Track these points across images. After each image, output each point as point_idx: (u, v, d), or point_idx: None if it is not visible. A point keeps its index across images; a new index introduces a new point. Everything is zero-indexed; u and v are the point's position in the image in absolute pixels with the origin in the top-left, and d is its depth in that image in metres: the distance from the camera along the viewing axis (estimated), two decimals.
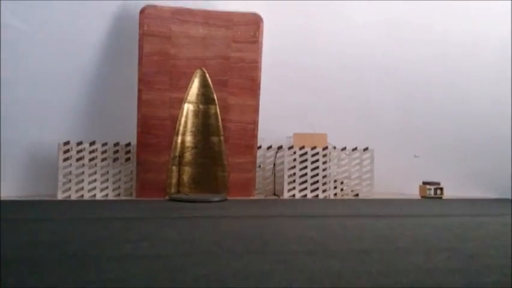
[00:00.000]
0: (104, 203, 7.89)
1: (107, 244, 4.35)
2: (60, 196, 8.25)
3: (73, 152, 8.31)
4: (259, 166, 9.37)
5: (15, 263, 3.51)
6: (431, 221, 6.20)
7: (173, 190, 8.52)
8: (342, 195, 9.37)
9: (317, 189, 9.23)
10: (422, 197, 9.57)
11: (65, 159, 8.24)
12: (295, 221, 6.04)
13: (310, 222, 5.90)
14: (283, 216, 6.61)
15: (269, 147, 9.54)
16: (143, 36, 8.40)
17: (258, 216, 6.61)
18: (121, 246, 4.23)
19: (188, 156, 8.70)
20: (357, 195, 9.40)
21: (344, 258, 3.78)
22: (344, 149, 9.43)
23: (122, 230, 5.23)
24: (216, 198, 8.09)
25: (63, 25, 8.78)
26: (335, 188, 9.37)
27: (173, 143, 8.43)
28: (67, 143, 8.29)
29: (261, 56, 8.99)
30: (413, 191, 9.72)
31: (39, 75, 8.69)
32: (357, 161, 9.43)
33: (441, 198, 9.25)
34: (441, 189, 9.48)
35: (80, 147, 8.34)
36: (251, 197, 8.90)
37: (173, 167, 8.52)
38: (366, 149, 9.46)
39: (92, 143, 8.42)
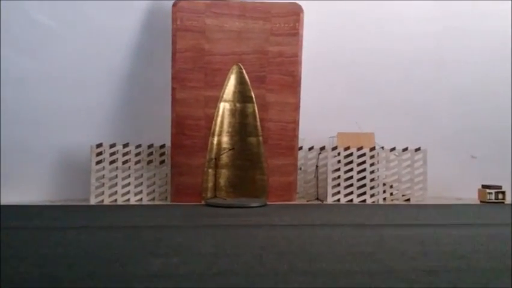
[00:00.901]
0: (138, 209, 7.60)
1: (133, 259, 3.89)
2: (93, 201, 8.03)
3: (105, 155, 8.13)
4: (300, 168, 8.92)
5: (32, 279, 3.09)
6: (502, 231, 5.40)
7: (209, 194, 8.22)
8: (392, 200, 8.73)
9: (364, 193, 8.60)
10: (481, 201, 8.76)
11: (97, 162, 8.08)
12: (345, 232, 5.41)
13: (363, 233, 5.26)
14: (331, 225, 6.02)
15: (311, 148, 9.08)
16: (176, 31, 8.14)
17: (302, 225, 6.04)
18: (148, 263, 3.75)
19: (224, 158, 8.40)
20: (408, 200, 8.73)
21: (408, 279, 3.14)
22: (393, 149, 8.78)
23: (152, 241, 4.78)
24: (255, 204, 7.76)
25: (93, 21, 8.61)
26: (384, 192, 8.70)
27: (209, 144, 8.19)
28: (99, 145, 8.12)
29: (301, 50, 8.49)
30: (470, 195, 8.95)
31: (69, 75, 8.54)
32: (408, 162, 8.79)
33: (503, 203, 8.47)
34: (503, 193, 8.65)
35: (113, 149, 8.16)
36: (292, 202, 8.42)
37: (209, 170, 8.24)
38: (418, 149, 8.78)
39: (125, 145, 8.25)
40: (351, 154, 8.63)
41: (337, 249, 4.35)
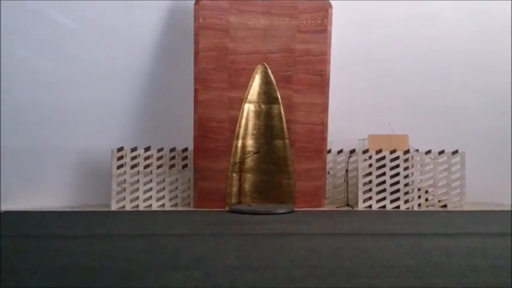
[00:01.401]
0: (159, 215, 7.39)
1: (153, 271, 3.61)
2: (114, 206, 7.92)
3: (127, 159, 8.01)
4: (329, 173, 8.64)
5: None
6: None
7: (233, 200, 8.00)
8: (427, 206, 8.33)
9: (398, 199, 8.19)
10: None
11: (118, 167, 7.98)
12: (380, 242, 5.01)
13: (400, 243, 4.84)
14: (364, 234, 5.64)
15: (340, 151, 8.79)
16: (198, 30, 7.96)
17: (333, 234, 5.68)
18: (168, 277, 3.46)
19: (249, 162, 8.17)
20: (445, 206, 8.31)
21: None
22: (428, 152, 8.36)
23: (173, 252, 4.48)
24: (282, 210, 7.50)
25: (113, 21, 8.47)
26: (419, 197, 8.27)
27: (233, 147, 7.98)
28: (120, 149, 8.01)
29: (330, 48, 8.18)
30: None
31: (89, 76, 8.42)
32: (445, 166, 8.36)
33: None
34: None
35: (134, 153, 8.06)
36: (321, 208, 8.12)
37: (234, 175, 8.02)
38: (455, 152, 8.33)
39: (147, 149, 8.13)
40: (383, 157, 8.24)
41: (373, 263, 3.97)
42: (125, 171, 7.99)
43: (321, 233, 5.68)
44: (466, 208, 8.12)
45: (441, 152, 8.34)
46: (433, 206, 8.33)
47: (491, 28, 8.95)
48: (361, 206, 8.19)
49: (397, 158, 8.22)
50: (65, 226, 6.24)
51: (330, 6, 8.15)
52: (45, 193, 8.04)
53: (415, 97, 9.00)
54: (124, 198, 7.97)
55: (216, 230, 5.81)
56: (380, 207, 8.16)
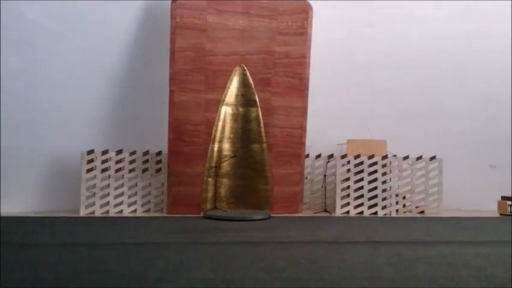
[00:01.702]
0: (130, 221, 7.09)
1: (118, 286, 3.34)
2: (83, 212, 7.63)
3: (97, 162, 7.75)
4: (307, 178, 8.53)
5: None
6: None
7: (208, 206, 7.82)
8: (405, 212, 8.30)
9: (376, 205, 8.15)
10: (501, 214, 8.32)
11: (88, 170, 7.71)
12: (359, 250, 4.88)
13: (379, 252, 4.71)
14: (343, 242, 5.48)
15: (318, 156, 8.70)
16: (175, 29, 7.77)
17: (311, 242, 5.51)
18: None
19: (226, 166, 8.02)
20: (422, 212, 8.31)
21: None
22: (406, 158, 8.34)
23: (142, 263, 4.21)
24: (258, 216, 7.35)
25: (87, 18, 8.19)
26: (397, 203, 8.24)
27: (209, 151, 7.83)
28: (90, 151, 7.74)
29: (309, 50, 8.09)
30: (489, 207, 8.51)
31: (58, 74, 8.08)
32: (423, 172, 8.38)
33: None
34: None
35: (105, 156, 7.80)
36: (298, 214, 8.00)
37: (209, 179, 7.86)
38: (433, 158, 8.34)
39: (119, 152, 7.88)
40: (361, 163, 8.20)
41: (353, 273, 3.83)
42: (95, 175, 7.73)
43: (299, 241, 5.52)
44: (443, 214, 8.10)
45: (419, 158, 8.33)
46: (410, 212, 8.30)
47: (473, 31, 8.99)
48: (339, 211, 8.13)
49: (375, 163, 8.19)
50: (26, 233, 5.88)
51: (311, 8, 8.05)
52: (10, 197, 7.61)
53: (394, 102, 9.03)
54: (93, 204, 7.70)
55: (189, 238, 5.60)
56: (358, 213, 8.10)
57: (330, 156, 8.50)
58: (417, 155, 8.31)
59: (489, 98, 9.05)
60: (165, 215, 7.74)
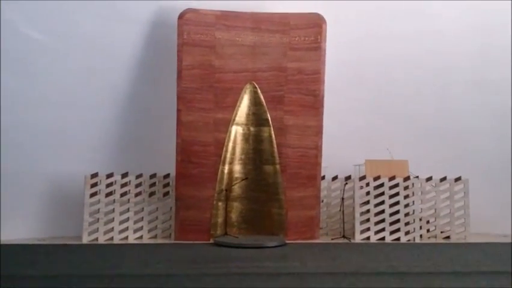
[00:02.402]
0: (136, 249, 6.89)
1: None
2: (86, 239, 7.37)
3: (101, 186, 7.51)
4: (323, 201, 8.21)
5: None
6: None
7: (219, 231, 7.60)
8: (429, 238, 7.94)
9: (398, 230, 7.73)
10: None
11: (92, 195, 7.47)
12: (386, 283, 4.41)
13: (409, 284, 4.24)
14: (366, 273, 5.08)
15: (334, 178, 8.36)
16: (182, 46, 7.63)
17: (330, 273, 5.10)
18: None
19: (237, 189, 7.83)
20: (448, 237, 7.93)
21: None
22: (429, 179, 7.98)
23: None
24: (272, 243, 7.09)
25: (90, 35, 8.04)
26: (420, 228, 7.84)
27: (219, 173, 7.66)
28: (94, 175, 7.52)
29: (324, 66, 7.87)
30: None
31: (62, 95, 7.92)
32: (447, 194, 8.01)
33: None
34: None
35: (110, 180, 7.57)
36: (315, 240, 7.70)
37: (219, 203, 7.66)
38: (458, 179, 7.98)
39: (124, 175, 7.67)
40: (382, 185, 7.82)
41: None
42: (99, 200, 7.48)
43: (318, 272, 5.14)
44: (470, 240, 7.73)
45: (443, 179, 7.98)
46: (435, 237, 7.94)
47: (494, 45, 8.73)
48: (358, 237, 7.75)
49: (397, 185, 7.80)
50: (24, 262, 5.60)
51: (324, 21, 7.84)
52: (11, 223, 7.43)
53: (414, 119, 8.75)
54: (97, 230, 7.45)
55: (197, 269, 5.25)
56: (379, 239, 7.71)
57: (348, 177, 8.17)
58: (441, 176, 7.93)
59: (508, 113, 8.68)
60: (173, 241, 7.51)
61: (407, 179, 7.82)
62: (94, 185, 7.44)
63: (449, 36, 8.73)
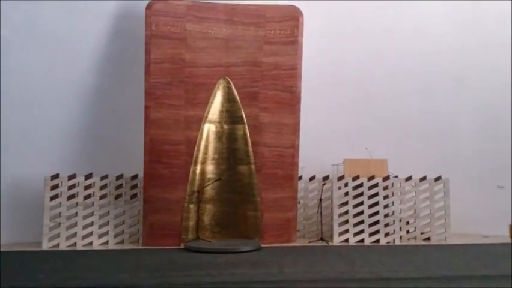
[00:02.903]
0: (99, 256, 6.54)
1: None
2: (46, 245, 7.10)
3: (63, 188, 7.26)
4: (299, 202, 8.12)
5: None
6: None
7: (190, 235, 7.46)
8: (409, 240, 7.87)
9: (377, 232, 7.66)
10: None
11: (53, 197, 7.20)
12: None
13: None
14: (348, 280, 4.81)
15: (312, 178, 8.28)
16: (150, 38, 7.43)
17: (311, 280, 4.84)
18: None
19: (209, 191, 7.68)
20: (428, 238, 7.88)
21: None
22: (408, 178, 7.91)
23: None
24: (247, 247, 6.94)
25: (50, 27, 7.82)
26: (400, 229, 7.77)
27: (191, 174, 7.47)
28: (55, 176, 7.24)
29: (301, 61, 7.78)
30: (499, 232, 8.10)
31: (21, 91, 7.67)
32: (427, 194, 7.97)
33: None
34: None
35: (72, 181, 7.32)
36: (292, 243, 7.58)
37: (191, 206, 7.49)
38: (438, 179, 7.97)
39: (88, 176, 7.41)
40: (361, 185, 7.77)
41: None
42: (60, 203, 7.23)
43: (296, 280, 4.85)
44: (451, 241, 7.69)
45: (423, 179, 7.94)
46: (415, 239, 7.89)
47: (478, 44, 8.82)
48: (337, 240, 7.67)
49: (376, 185, 7.76)
50: None
51: (301, 14, 7.76)
52: None
53: (394, 118, 8.77)
54: (58, 235, 7.20)
55: (165, 278, 4.84)
56: (358, 241, 7.63)
57: (326, 178, 8.06)
58: (421, 176, 7.88)
59: (495, 115, 8.80)
60: (141, 247, 7.23)
61: (386, 178, 7.78)
62: (55, 187, 7.19)
63: (432, 33, 8.81)
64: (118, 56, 8.12)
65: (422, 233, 7.90)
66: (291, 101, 7.64)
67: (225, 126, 7.65)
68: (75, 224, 7.21)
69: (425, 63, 8.79)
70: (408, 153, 8.44)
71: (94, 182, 7.35)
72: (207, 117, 7.52)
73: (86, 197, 7.30)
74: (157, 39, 7.36)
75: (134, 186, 7.58)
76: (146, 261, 5.98)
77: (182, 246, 7.14)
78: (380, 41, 8.67)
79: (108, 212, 7.42)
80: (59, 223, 7.14)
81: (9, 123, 7.56)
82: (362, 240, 7.58)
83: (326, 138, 8.44)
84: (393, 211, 7.72)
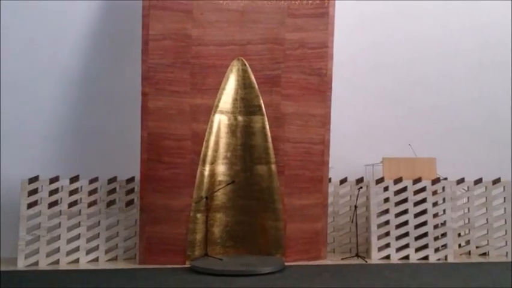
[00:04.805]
0: (86, 277, 5.81)
1: None
2: (22, 263, 6.45)
3: (43, 193, 6.64)
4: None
5: None
6: None
7: (197, 252, 6.76)
8: (461, 255, 7.16)
9: (426, 246, 6.85)
10: None
11: (30, 205, 6.60)
12: None
13: None
14: None
15: (343, 181, 7.52)
16: (149, 10, 6.78)
17: None
18: None
19: (221, 196, 7.06)
20: (484, 254, 7.21)
21: None
22: (461, 181, 7.27)
23: None
24: (267, 268, 6.22)
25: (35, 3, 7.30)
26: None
27: (198, 176, 6.85)
28: (34, 179, 6.63)
29: (332, 38, 6.99)
30: None
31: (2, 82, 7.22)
32: (483, 199, 7.36)
33: None
34: None
35: (55, 185, 6.69)
36: (322, 261, 6.83)
37: (198, 215, 6.83)
38: (497, 181, 7.29)
39: (74, 179, 6.80)
40: (404, 189, 7.00)
41: None
42: (40, 212, 6.60)
43: None
44: None
45: (478, 181, 7.30)
46: (469, 254, 7.26)
47: None
48: (375, 256, 7.00)
49: (423, 189, 6.97)
50: None
51: None
52: None
53: (440, 110, 8.15)
54: (37, 251, 6.58)
55: None
56: (402, 258, 6.90)
57: (360, 180, 7.31)
58: (474, 178, 7.30)
59: None
60: (137, 266, 6.49)
61: (436, 181, 6.97)
62: (33, 192, 6.60)
63: (483, 21, 8.18)
64: (109, 32, 7.54)
65: (477, 247, 7.29)
66: (320, 87, 6.89)
67: (240, 118, 7.00)
68: (58, 237, 6.64)
69: (481, 50, 8.14)
70: (458, 152, 7.81)
71: (81, 186, 6.79)
72: (217, 106, 6.89)
73: (72, 204, 6.71)
74: (157, 10, 6.70)
75: (130, 191, 7.02)
76: (143, 284, 5.34)
77: (187, 265, 6.50)
78: (424, 22, 8.09)
79: (98, 222, 6.85)
80: (39, 236, 6.55)
81: None
82: (407, 257, 6.83)
83: (357, 133, 7.83)
84: (445, 220, 6.91)
